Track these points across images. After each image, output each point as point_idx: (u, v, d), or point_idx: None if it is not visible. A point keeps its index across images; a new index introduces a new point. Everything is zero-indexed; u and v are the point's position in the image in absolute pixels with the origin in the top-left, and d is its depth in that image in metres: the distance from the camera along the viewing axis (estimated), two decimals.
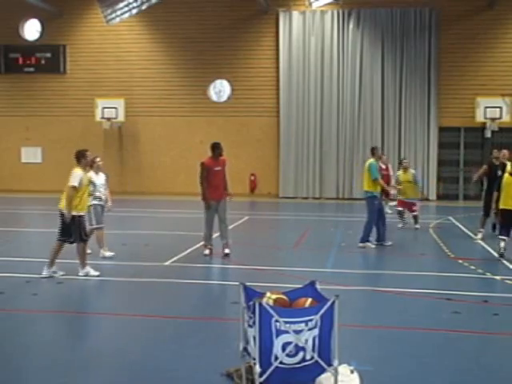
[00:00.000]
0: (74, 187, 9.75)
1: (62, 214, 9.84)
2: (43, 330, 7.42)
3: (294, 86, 26.65)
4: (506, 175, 12.27)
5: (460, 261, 11.71)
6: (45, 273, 9.87)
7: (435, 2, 25.66)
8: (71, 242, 10.01)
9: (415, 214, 16.39)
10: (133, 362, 6.17)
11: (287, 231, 17.14)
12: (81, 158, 10.07)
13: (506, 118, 24.21)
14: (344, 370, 5.23)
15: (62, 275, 9.95)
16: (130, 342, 6.85)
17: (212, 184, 12.01)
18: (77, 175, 9.83)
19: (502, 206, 12.22)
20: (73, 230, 9.85)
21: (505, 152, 15.12)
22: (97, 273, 10.06)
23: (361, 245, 13.22)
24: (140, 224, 17.95)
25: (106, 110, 26.66)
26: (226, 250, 12.04)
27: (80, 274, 10.01)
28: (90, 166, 11.26)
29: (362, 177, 14.57)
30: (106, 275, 10.28)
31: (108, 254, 11.79)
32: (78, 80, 28.01)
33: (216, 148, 12.10)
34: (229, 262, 11.69)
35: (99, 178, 11.90)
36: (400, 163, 17.60)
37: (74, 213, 9.81)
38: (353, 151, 26.43)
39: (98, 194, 11.71)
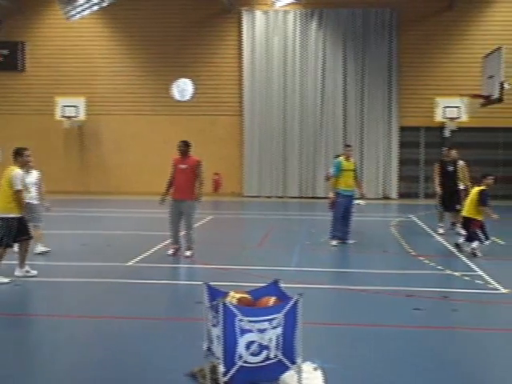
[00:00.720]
0: (19, 191, 9.57)
1: (1, 219, 9.62)
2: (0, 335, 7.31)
3: (257, 86, 26.72)
4: (476, 189, 12.39)
5: (421, 258, 11.90)
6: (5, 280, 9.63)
7: (396, 3, 25.99)
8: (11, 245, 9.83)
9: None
10: (96, 363, 6.13)
11: (251, 230, 17.18)
12: (17, 156, 9.82)
13: (464, 118, 24.63)
14: (307, 367, 5.28)
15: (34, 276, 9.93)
16: (92, 343, 6.80)
17: (174, 182, 11.98)
18: (18, 177, 9.58)
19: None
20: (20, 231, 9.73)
21: (453, 152, 15.51)
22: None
23: (328, 240, 13.46)
24: (102, 224, 17.78)
25: (66, 108, 26.28)
26: (187, 253, 11.94)
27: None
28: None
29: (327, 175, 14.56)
30: (66, 276, 10.17)
31: (44, 249, 11.95)
32: (38, 78, 27.59)
33: (178, 146, 12.06)
34: (193, 261, 11.66)
35: (29, 177, 11.70)
36: None
37: (13, 215, 9.61)
38: (315, 150, 26.61)
39: (27, 192, 11.57)
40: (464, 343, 6.94)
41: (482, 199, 11.96)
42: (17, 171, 9.64)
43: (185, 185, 11.88)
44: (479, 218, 12.02)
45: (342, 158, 13.75)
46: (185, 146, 12.02)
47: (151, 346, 6.65)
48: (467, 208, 12.30)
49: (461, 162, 15.51)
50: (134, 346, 6.62)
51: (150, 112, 27.19)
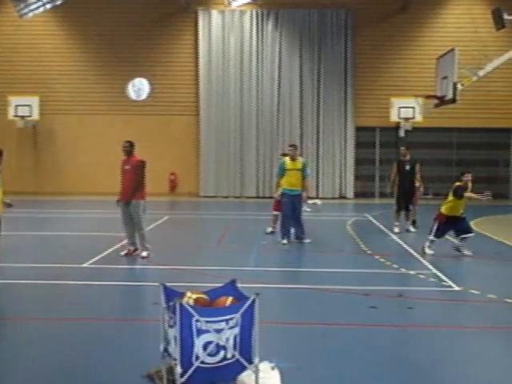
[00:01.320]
0: None
1: None
2: None
3: (214, 85, 26.68)
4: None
5: (376, 256, 12.04)
6: None
7: (351, 4, 26.24)
8: None
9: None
10: (51, 366, 6.02)
11: (208, 230, 17.13)
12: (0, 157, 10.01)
13: (418, 118, 25.03)
14: (265, 367, 5.28)
15: None
16: (48, 346, 6.68)
17: (121, 182, 11.96)
18: None
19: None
20: None
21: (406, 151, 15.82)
22: None
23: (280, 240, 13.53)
24: (57, 225, 17.49)
25: (19, 107, 25.80)
26: (143, 254, 11.84)
27: None
28: None
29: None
30: (21, 278, 9.97)
31: None
32: None
33: (123, 146, 11.96)
34: (149, 262, 11.57)
35: None
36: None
37: None
38: (272, 150, 26.69)
39: None
40: (419, 340, 7.04)
41: (457, 193, 11.97)
42: None
43: (128, 186, 11.75)
44: (445, 212, 12.16)
45: (287, 158, 13.86)
46: (129, 146, 11.88)
47: (108, 347, 6.57)
48: (444, 202, 12.43)
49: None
50: (90, 348, 6.53)
51: (105, 111, 26.87)
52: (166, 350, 5.22)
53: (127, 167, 11.81)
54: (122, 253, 11.95)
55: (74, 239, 14.50)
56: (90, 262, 11.31)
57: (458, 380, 5.89)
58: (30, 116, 25.97)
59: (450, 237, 12.87)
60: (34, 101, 25.95)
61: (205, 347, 4.88)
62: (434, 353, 6.56)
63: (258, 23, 26.60)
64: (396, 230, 15.35)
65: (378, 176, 26.99)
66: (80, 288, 9.51)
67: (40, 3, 26.01)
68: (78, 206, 22.32)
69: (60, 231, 15.98)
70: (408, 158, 15.68)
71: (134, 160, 11.86)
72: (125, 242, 12.26)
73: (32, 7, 26.06)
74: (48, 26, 27.06)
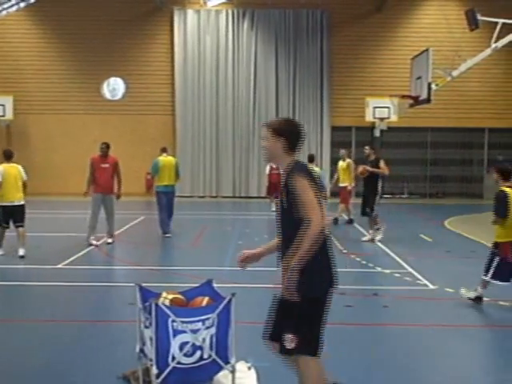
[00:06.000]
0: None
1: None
2: None
3: (190, 85, 26.61)
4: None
5: (352, 256, 12.10)
6: None
7: (326, 4, 26.33)
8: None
9: None
10: (27, 369, 5.96)
11: (184, 230, 17.06)
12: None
13: (393, 118, 25.16)
14: (241, 366, 5.28)
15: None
16: (22, 348, 6.61)
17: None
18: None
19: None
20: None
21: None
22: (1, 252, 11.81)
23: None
24: (31, 225, 17.23)
25: None
26: (109, 240, 13.17)
27: None
28: None
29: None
30: None
31: None
32: None
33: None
34: (125, 262, 11.51)
35: None
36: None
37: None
38: (248, 150, 26.71)
39: None
40: (394, 339, 7.08)
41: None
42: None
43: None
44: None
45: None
46: (106, 148, 13.48)
47: (83, 348, 6.52)
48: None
49: (349, 160, 15.84)
50: (65, 349, 6.48)
51: (80, 111, 26.66)
52: (141, 350, 5.19)
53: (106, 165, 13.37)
54: (95, 242, 13.05)
55: (47, 240, 14.37)
56: (65, 262, 11.23)
57: (432, 378, 5.94)
58: (3, 116, 25.69)
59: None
60: (8, 100, 25.67)
61: (181, 348, 4.85)
62: (409, 351, 6.60)
63: (233, 23, 26.60)
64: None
65: (353, 175, 27.08)
66: (54, 289, 9.43)
67: (13, 2, 25.71)
68: (52, 207, 22.09)
69: (33, 232, 15.77)
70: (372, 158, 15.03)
71: (113, 158, 13.66)
72: (102, 240, 12.20)
73: (5, 5, 25.75)
74: (22, 25, 26.77)
